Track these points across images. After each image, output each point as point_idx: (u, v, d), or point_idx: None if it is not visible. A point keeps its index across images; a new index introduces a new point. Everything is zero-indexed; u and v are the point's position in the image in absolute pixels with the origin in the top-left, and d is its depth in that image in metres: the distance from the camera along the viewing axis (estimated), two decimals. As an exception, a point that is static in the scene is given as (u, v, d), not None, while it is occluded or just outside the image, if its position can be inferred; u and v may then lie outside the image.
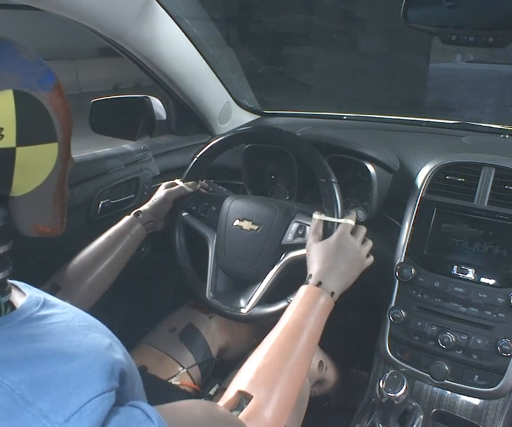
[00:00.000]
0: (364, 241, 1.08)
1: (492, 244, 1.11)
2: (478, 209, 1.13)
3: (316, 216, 1.09)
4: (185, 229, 1.30)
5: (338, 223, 1.07)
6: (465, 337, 1.07)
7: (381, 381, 0.97)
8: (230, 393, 0.76)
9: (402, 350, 1.14)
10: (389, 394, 0.96)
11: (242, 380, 0.78)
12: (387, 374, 0.98)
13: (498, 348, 1.03)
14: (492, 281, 1.07)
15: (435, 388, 1.13)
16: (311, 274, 0.99)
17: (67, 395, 0.50)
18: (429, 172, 1.21)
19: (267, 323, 1.02)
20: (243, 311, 1.16)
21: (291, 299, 1.08)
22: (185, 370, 1.21)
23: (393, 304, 1.15)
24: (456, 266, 1.11)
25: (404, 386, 0.96)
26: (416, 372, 1.13)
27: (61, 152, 0.60)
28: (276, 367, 0.81)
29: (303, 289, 0.96)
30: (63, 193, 0.64)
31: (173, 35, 1.36)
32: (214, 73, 1.54)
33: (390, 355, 1.15)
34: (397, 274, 1.14)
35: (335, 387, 1.44)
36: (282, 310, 0.96)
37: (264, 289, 1.14)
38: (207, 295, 1.22)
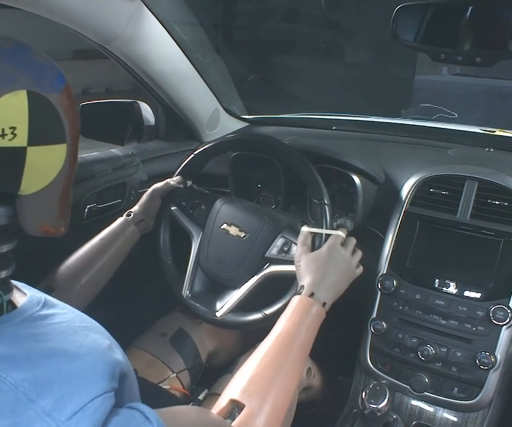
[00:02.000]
0: (353, 252, 1.09)
1: (473, 258, 1.13)
2: (461, 223, 1.15)
3: (305, 229, 1.10)
4: (172, 223, 1.31)
5: (328, 235, 1.08)
6: (445, 350, 1.09)
7: (363, 392, 0.98)
8: (222, 401, 0.77)
9: (382, 361, 1.16)
10: (371, 406, 0.97)
11: (234, 389, 0.79)
12: (370, 385, 1.00)
13: (477, 361, 1.05)
14: (472, 295, 1.09)
15: (415, 401, 1.15)
16: (303, 285, 1.00)
17: (70, 393, 0.51)
18: (414, 184, 1.23)
19: (255, 330, 1.03)
20: (217, 314, 1.17)
21: (265, 312, 1.09)
22: (174, 374, 1.22)
23: (374, 315, 1.17)
24: (437, 279, 1.13)
25: (386, 398, 0.98)
26: (396, 383, 1.14)
27: (69, 154, 0.61)
28: (268, 376, 0.82)
29: (295, 299, 0.97)
30: (68, 194, 0.65)
31: (163, 42, 1.37)
32: (203, 79, 1.55)
33: (371, 366, 1.16)
34: (379, 286, 1.16)
35: (322, 394, 1.45)
36: (255, 322, 0.96)
37: (241, 297, 1.15)
38: (183, 292, 1.24)
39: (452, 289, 1.11)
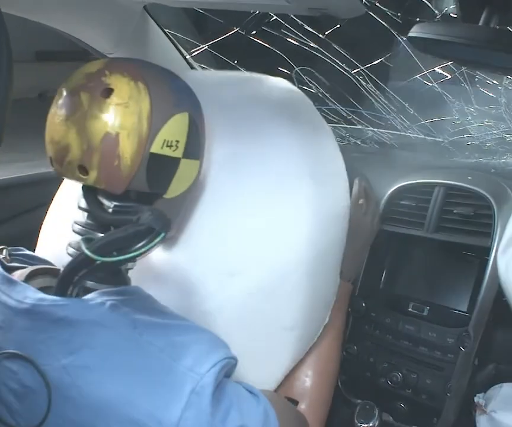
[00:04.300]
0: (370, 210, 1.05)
1: (443, 278, 1.09)
2: (428, 239, 1.09)
3: None
4: None
5: None
6: (415, 376, 1.05)
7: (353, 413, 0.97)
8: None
9: (354, 385, 1.13)
10: (363, 425, 0.95)
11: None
12: (359, 405, 0.98)
13: (446, 390, 1.01)
14: (442, 320, 1.05)
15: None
16: None
17: (205, 354, 0.61)
18: (384, 199, 1.16)
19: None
20: None
21: None
22: None
23: (346, 339, 1.13)
24: (410, 302, 1.09)
25: (376, 416, 0.96)
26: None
27: (199, 169, 0.73)
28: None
29: None
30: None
31: (166, 51, 1.35)
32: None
33: (342, 389, 1.13)
34: (349, 309, 1.13)
35: None
36: None
37: None
38: None
39: (422, 312, 1.07)
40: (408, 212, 1.13)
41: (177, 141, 0.67)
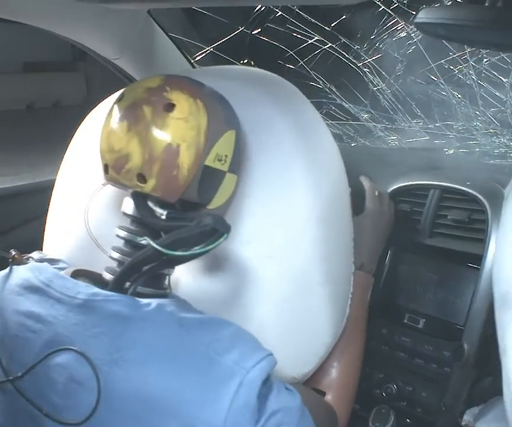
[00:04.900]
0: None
1: (440, 288, 1.06)
2: (425, 246, 1.08)
3: None
4: None
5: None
6: (410, 389, 1.04)
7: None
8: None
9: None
10: None
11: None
12: (375, 409, 0.98)
13: (442, 403, 0.99)
14: (438, 333, 1.03)
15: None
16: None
17: (251, 350, 0.64)
18: None
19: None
20: None
21: None
22: None
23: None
24: (405, 313, 1.08)
25: (392, 420, 0.96)
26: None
27: (236, 184, 0.77)
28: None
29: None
30: None
31: (171, 55, 1.34)
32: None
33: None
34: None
35: None
36: None
37: None
38: None
39: (420, 325, 1.06)
40: (403, 217, 1.11)
41: (226, 156, 0.72)
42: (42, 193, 1.27)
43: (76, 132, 0.97)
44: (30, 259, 0.79)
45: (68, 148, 0.97)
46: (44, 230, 0.98)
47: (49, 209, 0.99)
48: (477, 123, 1.56)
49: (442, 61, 1.61)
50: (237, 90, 0.83)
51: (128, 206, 0.73)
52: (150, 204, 0.71)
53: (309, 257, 0.79)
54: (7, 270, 0.76)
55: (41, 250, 0.96)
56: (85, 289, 0.69)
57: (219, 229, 0.65)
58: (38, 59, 5.34)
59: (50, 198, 0.99)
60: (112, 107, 0.72)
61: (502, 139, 1.53)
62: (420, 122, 1.71)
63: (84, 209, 0.84)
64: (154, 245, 0.64)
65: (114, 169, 0.71)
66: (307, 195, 0.79)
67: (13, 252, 0.77)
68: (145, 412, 0.61)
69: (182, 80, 0.73)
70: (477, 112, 1.54)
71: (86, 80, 5.97)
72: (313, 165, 0.81)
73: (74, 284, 0.70)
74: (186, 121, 0.68)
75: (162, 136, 0.67)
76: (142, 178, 0.69)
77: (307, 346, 0.82)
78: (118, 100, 0.72)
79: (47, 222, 0.98)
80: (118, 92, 0.79)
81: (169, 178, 0.68)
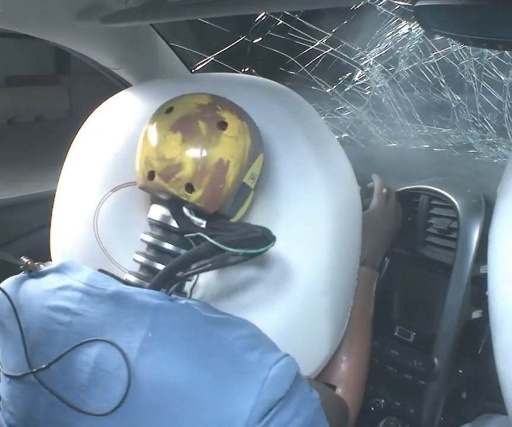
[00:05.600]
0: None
1: (432, 302, 1.04)
2: (415, 254, 1.06)
3: None
4: None
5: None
6: (399, 404, 1.02)
7: None
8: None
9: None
10: None
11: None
12: (382, 422, 0.97)
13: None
14: (428, 348, 1.01)
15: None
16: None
17: (270, 349, 0.67)
18: None
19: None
20: None
21: None
22: None
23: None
24: (397, 326, 1.06)
25: None
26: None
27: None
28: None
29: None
30: None
31: (172, 65, 1.33)
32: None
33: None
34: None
35: None
36: None
37: None
38: None
39: (410, 338, 1.04)
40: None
41: (256, 175, 0.78)
42: (40, 204, 1.28)
43: (75, 140, 0.97)
44: (41, 266, 0.80)
45: (68, 156, 0.97)
46: (46, 239, 0.98)
47: (52, 219, 0.98)
48: (474, 131, 1.55)
49: (444, 56, 1.60)
50: (247, 98, 0.84)
51: (157, 213, 0.76)
52: (186, 212, 0.74)
53: (316, 267, 0.81)
54: (22, 273, 0.78)
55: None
56: (115, 283, 0.73)
57: (267, 237, 0.70)
58: (21, 72, 5.37)
59: (46, 209, 0.99)
60: (159, 117, 0.75)
61: (499, 148, 1.51)
62: (418, 128, 1.70)
63: (90, 215, 0.87)
64: (214, 242, 0.69)
65: (162, 176, 0.73)
66: (324, 206, 0.82)
67: (25, 260, 0.78)
68: (173, 400, 0.63)
69: (228, 101, 0.78)
70: (475, 118, 1.53)
71: (68, 93, 5.92)
72: (331, 182, 0.84)
73: (105, 278, 0.74)
74: (236, 140, 0.73)
75: (215, 151, 0.72)
76: (191, 188, 0.72)
77: (306, 350, 0.82)
78: (167, 112, 0.75)
79: (51, 231, 0.98)
80: (118, 98, 0.83)
81: (216, 190, 0.73)
